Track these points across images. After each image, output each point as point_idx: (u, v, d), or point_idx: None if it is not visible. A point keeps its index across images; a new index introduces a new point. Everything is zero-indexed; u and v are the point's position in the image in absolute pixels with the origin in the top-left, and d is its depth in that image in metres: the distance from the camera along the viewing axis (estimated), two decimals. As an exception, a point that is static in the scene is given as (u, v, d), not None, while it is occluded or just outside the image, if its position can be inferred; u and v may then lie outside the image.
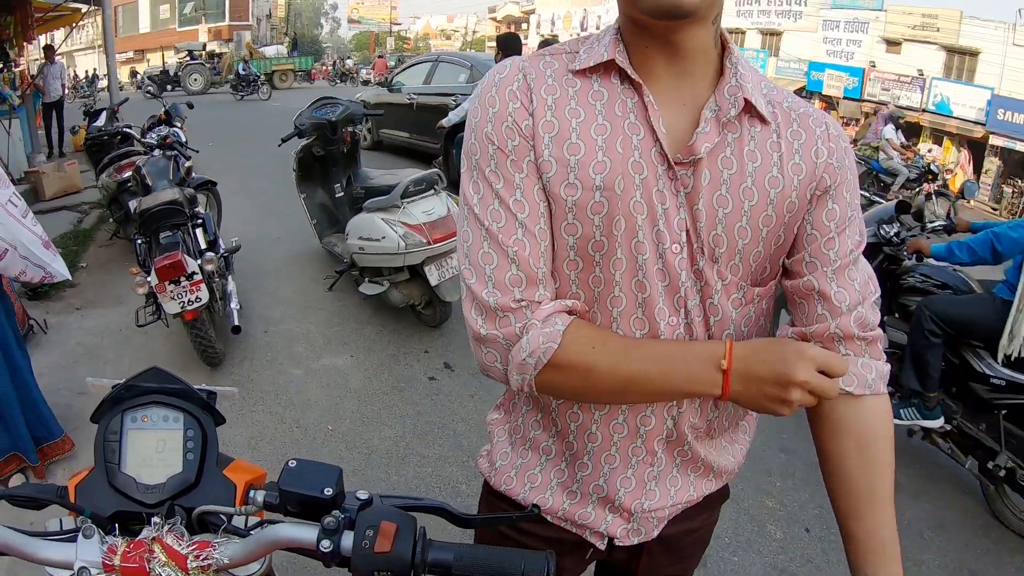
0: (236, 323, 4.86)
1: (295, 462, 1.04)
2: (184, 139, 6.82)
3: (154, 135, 6.52)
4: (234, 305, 5.00)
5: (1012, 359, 3.75)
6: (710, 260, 1.13)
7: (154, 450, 1.16)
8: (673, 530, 1.37)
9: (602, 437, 1.25)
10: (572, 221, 1.12)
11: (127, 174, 6.54)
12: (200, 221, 4.95)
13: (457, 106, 8.53)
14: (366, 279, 5.53)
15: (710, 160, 1.10)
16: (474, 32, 68.06)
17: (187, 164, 5.98)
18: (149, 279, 4.31)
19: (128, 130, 7.06)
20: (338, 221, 6.49)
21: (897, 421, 3.87)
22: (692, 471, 1.32)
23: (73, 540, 1.03)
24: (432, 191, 5.32)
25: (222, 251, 5.23)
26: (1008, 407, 3.82)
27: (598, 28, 1.24)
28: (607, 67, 1.13)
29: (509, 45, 7.61)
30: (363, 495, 1.03)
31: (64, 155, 12.60)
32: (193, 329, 4.59)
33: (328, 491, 1.01)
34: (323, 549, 0.96)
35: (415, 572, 0.95)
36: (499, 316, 1.12)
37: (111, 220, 7.54)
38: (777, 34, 29.50)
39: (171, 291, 4.28)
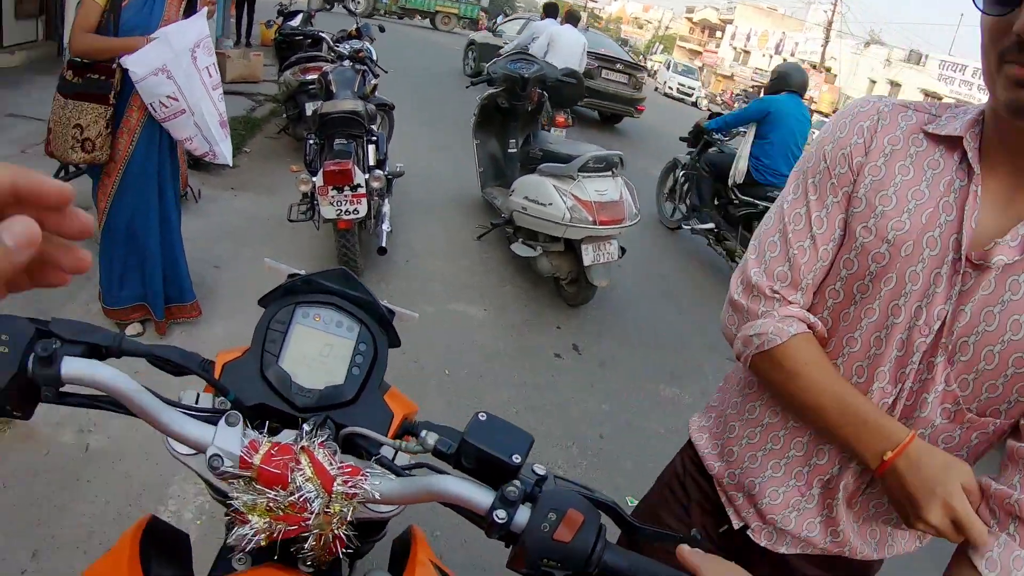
0: (384, 245, 4.84)
1: (485, 416, 0.96)
2: (375, 57, 6.84)
3: (347, 46, 6.52)
4: (385, 227, 4.97)
5: (739, 187, 6.72)
6: (947, 361, 1.13)
7: (318, 353, 1.10)
8: (808, 571, 1.41)
9: (783, 443, 1.35)
10: (853, 258, 1.21)
11: (311, 76, 6.68)
12: (374, 138, 4.95)
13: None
14: (520, 239, 5.44)
15: (1001, 274, 1.08)
16: (667, 28, 67.27)
17: (373, 82, 5.97)
18: (315, 179, 4.32)
19: (323, 35, 7.12)
20: (504, 175, 6.49)
21: (686, 225, 7.44)
22: (830, 530, 1.33)
23: (212, 423, 0.94)
24: (610, 172, 5.14)
25: (387, 172, 5.21)
26: (742, 217, 6.73)
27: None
28: (955, 142, 1.14)
29: (549, 9, 10.18)
30: (540, 470, 0.94)
31: (251, 45, 13.00)
32: (342, 238, 4.62)
33: (517, 458, 0.92)
34: (497, 519, 0.87)
35: (586, 571, 0.86)
36: (753, 293, 1.29)
37: (284, 116, 7.70)
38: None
39: (333, 197, 4.30)
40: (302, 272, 1.21)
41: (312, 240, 5.40)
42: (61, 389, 0.89)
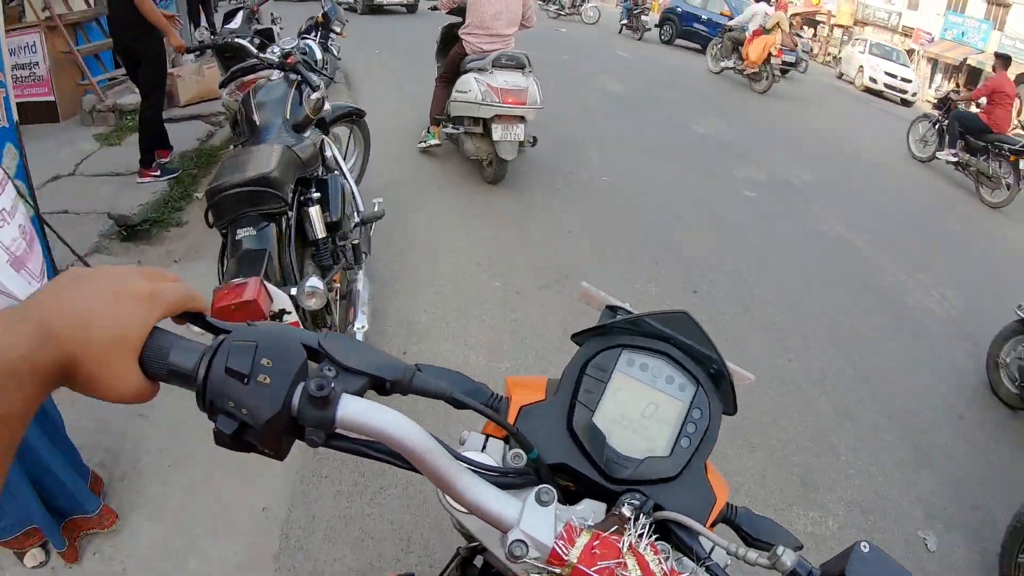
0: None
1: (868, 547, 0.74)
2: (320, 55, 5.42)
3: (276, 49, 4.66)
4: (359, 324, 3.32)
5: None
6: None
7: (640, 412, 0.88)
8: None
9: None
10: None
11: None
12: (315, 196, 3.22)
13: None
14: (451, 125, 6.78)
15: None
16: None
17: (314, 96, 3.94)
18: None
19: (239, 42, 5.05)
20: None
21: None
22: None
23: (515, 487, 0.78)
24: (520, 71, 6.24)
25: (356, 222, 3.61)
26: None
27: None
28: None
29: None
30: None
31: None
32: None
33: None
34: None
35: None
36: None
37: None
38: (1006, 6, 26.50)
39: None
40: (624, 306, 1.04)
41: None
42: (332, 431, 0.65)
